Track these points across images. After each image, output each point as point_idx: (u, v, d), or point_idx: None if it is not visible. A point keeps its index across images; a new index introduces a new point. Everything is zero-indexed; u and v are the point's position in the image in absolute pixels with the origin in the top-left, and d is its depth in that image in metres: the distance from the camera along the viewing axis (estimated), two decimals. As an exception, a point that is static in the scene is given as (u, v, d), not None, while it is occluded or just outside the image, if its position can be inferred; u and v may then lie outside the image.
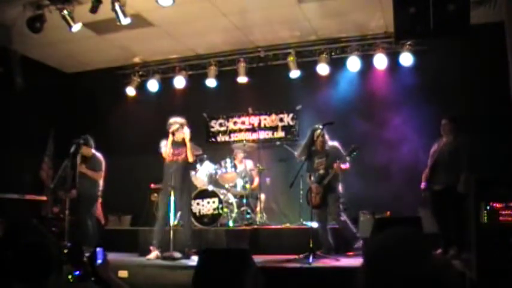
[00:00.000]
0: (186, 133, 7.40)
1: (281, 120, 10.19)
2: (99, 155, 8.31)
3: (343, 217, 7.29)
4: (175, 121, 7.47)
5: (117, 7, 7.33)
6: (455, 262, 5.57)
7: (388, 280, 1.49)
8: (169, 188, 7.34)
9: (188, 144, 7.39)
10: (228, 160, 8.91)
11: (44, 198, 8.69)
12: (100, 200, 8.48)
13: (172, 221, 7.35)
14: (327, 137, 7.39)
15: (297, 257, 6.72)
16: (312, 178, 7.40)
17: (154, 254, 7.22)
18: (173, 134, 7.36)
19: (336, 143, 7.38)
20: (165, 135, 7.49)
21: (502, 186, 4.75)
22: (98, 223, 8.45)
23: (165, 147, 7.42)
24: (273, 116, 10.24)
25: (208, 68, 10.34)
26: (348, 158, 7.16)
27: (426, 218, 6.72)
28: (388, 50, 9.19)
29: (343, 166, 7.16)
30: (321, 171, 7.28)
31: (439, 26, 5.48)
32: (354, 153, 7.12)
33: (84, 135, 8.17)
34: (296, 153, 7.75)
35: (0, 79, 7.43)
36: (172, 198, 7.31)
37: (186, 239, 7.40)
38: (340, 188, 7.32)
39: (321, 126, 7.36)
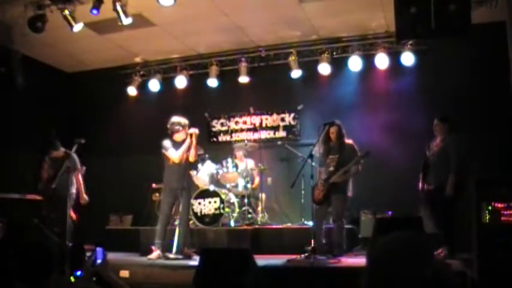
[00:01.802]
0: (196, 133, 7.38)
1: (282, 120, 10.18)
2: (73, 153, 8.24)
3: (344, 223, 7.17)
4: (180, 121, 7.45)
5: (118, 7, 7.33)
6: (456, 262, 5.57)
7: (392, 282, 1.50)
8: (176, 189, 7.35)
9: (195, 144, 7.36)
10: (229, 160, 8.91)
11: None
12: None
13: (177, 221, 7.38)
14: (343, 132, 7.21)
15: (298, 256, 6.73)
16: (323, 174, 7.24)
17: (155, 253, 7.22)
18: (191, 136, 7.34)
19: (351, 141, 7.21)
20: (168, 135, 7.46)
21: (504, 186, 4.76)
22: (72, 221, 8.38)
23: (175, 149, 7.33)
24: (275, 116, 10.23)
25: (209, 67, 10.33)
26: (361, 161, 7.03)
27: (427, 218, 6.73)
28: (389, 50, 9.18)
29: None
30: (331, 168, 7.12)
31: (440, 26, 5.48)
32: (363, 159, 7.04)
33: (54, 135, 8.07)
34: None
35: (2, 79, 7.43)
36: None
37: (184, 238, 7.39)
38: (350, 189, 7.20)
39: (337, 122, 7.25)
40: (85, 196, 8.07)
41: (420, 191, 7.11)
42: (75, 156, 8.10)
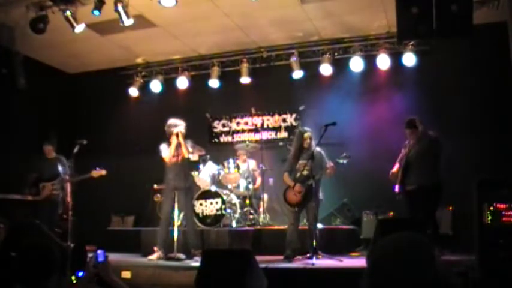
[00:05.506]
0: (182, 132, 7.44)
1: (284, 120, 10.18)
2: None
3: (316, 227, 7.14)
4: (177, 123, 7.47)
5: (119, 8, 7.33)
6: (457, 263, 5.56)
7: (393, 283, 1.49)
8: (175, 188, 7.38)
9: (182, 141, 7.39)
10: (231, 161, 8.89)
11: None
12: None
13: (177, 222, 7.37)
14: (313, 141, 7.24)
15: (299, 257, 6.72)
16: (291, 177, 7.21)
17: (156, 254, 7.23)
18: (177, 135, 7.36)
19: (319, 148, 7.20)
20: (167, 138, 7.50)
21: (505, 187, 4.75)
22: None
23: (168, 150, 7.43)
24: (276, 117, 10.23)
25: (211, 68, 10.33)
26: (332, 162, 7.03)
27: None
28: (391, 51, 9.17)
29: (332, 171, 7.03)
30: (305, 173, 7.09)
31: (442, 27, 5.48)
32: (344, 161, 7.02)
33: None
34: (289, 157, 7.47)
35: (4, 80, 7.44)
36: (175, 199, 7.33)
37: (192, 239, 7.40)
38: (321, 194, 7.19)
39: (307, 129, 7.35)
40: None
41: (398, 193, 6.96)
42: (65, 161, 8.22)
